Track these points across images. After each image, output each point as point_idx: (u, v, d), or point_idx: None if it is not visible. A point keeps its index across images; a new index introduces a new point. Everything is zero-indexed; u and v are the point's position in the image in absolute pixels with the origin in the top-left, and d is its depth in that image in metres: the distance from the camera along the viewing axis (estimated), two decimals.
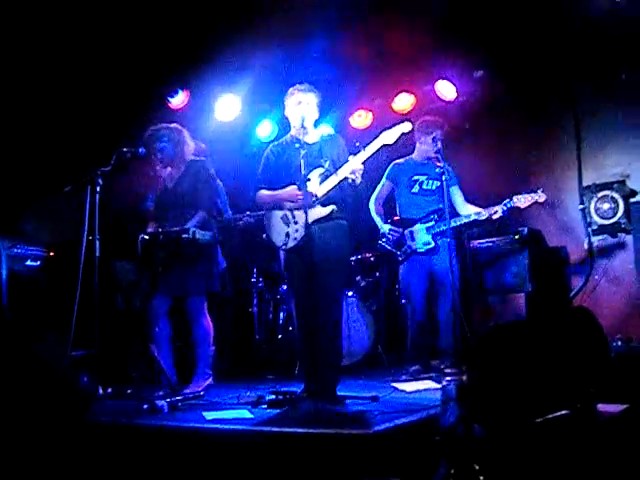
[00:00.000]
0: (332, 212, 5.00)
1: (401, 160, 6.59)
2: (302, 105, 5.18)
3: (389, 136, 5.07)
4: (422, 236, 6.29)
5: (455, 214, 6.28)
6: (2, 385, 3.91)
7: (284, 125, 5.53)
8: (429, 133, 6.35)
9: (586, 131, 7.08)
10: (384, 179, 6.60)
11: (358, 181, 4.95)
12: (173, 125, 5.85)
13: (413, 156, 6.57)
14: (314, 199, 4.95)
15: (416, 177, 6.43)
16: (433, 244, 6.22)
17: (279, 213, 5.14)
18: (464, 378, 3.16)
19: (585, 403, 3.70)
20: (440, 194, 6.17)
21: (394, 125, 5.13)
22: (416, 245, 6.29)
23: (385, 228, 6.43)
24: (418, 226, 6.31)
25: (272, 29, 6.74)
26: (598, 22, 6.39)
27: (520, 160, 7.32)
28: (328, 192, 5.01)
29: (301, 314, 5.15)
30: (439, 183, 6.19)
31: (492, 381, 3.42)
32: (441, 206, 6.14)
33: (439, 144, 6.28)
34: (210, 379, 5.67)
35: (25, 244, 5.86)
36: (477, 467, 2.83)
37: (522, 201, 6.01)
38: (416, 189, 6.42)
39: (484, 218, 6.13)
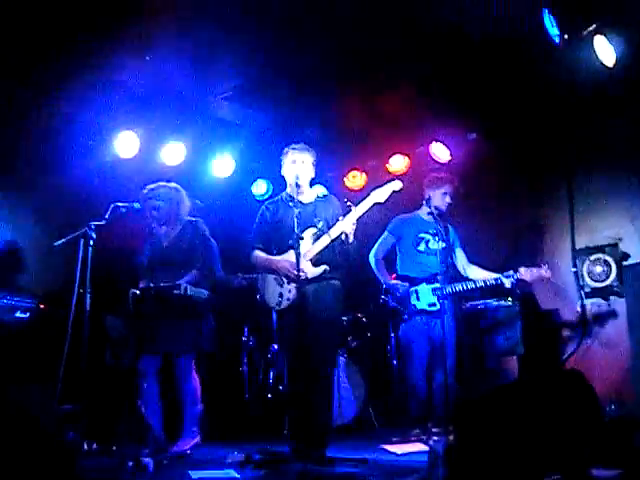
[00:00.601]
0: (324, 272, 5.01)
1: (407, 215, 6.51)
2: (297, 164, 5.22)
3: (380, 195, 5.11)
4: (427, 297, 6.16)
5: (458, 276, 6.26)
6: None
7: (279, 184, 5.56)
8: (438, 187, 6.32)
9: (579, 194, 7.12)
10: (386, 233, 6.48)
11: (350, 240, 4.96)
12: (172, 184, 5.87)
13: (420, 212, 6.47)
14: (305, 277, 4.94)
15: (422, 235, 6.34)
16: (438, 306, 6.05)
17: (272, 274, 5.14)
18: (451, 438, 3.12)
19: (578, 467, 3.65)
20: (445, 255, 6.13)
21: (385, 183, 5.17)
22: (421, 305, 6.18)
23: (392, 282, 6.30)
24: (424, 286, 6.19)
25: (268, 89, 6.83)
26: (592, 87, 6.47)
27: (513, 223, 7.35)
28: (320, 252, 5.02)
29: (293, 374, 5.11)
30: (444, 244, 6.13)
31: (481, 443, 3.38)
32: (445, 268, 6.08)
33: (448, 198, 6.30)
34: (198, 438, 5.59)
35: (15, 295, 5.82)
36: None
37: (528, 275, 5.99)
38: (422, 247, 6.32)
39: (490, 285, 6.13)
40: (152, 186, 5.81)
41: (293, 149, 5.28)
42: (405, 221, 6.49)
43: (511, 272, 6.03)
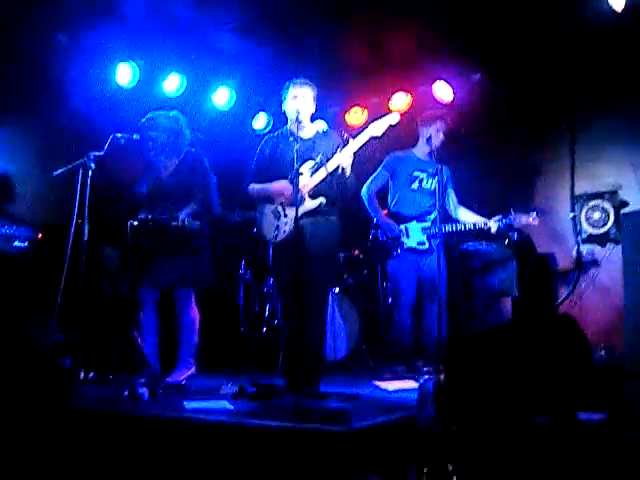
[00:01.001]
0: (320, 205, 5.01)
1: (401, 153, 6.51)
2: (298, 99, 5.17)
3: (377, 128, 5.10)
4: (417, 235, 6.23)
5: (447, 216, 6.29)
6: None
7: (280, 118, 5.52)
8: (431, 124, 6.32)
9: (581, 140, 7.09)
10: (381, 169, 6.49)
11: (347, 173, 4.96)
12: (171, 113, 5.81)
13: (414, 150, 6.47)
14: (303, 198, 4.95)
15: (417, 173, 6.35)
16: (427, 245, 6.18)
17: (270, 207, 5.15)
18: (442, 377, 3.17)
19: (566, 410, 3.71)
20: (439, 195, 6.12)
21: (382, 116, 5.16)
22: (410, 243, 6.24)
23: (385, 221, 6.34)
24: (414, 224, 6.26)
25: (269, 22, 6.72)
26: (598, 32, 6.39)
27: (514, 166, 7.32)
28: (317, 185, 5.02)
29: (287, 309, 5.17)
30: (437, 184, 6.12)
31: (471, 382, 3.43)
32: (438, 208, 6.13)
33: (441, 135, 6.29)
34: (193, 369, 5.66)
35: (13, 224, 5.83)
36: (451, 467, 2.84)
37: (517, 220, 6.04)
38: (415, 186, 6.34)
39: (478, 228, 6.17)
40: (151, 115, 5.75)
41: (294, 84, 5.22)
42: (400, 158, 6.48)
43: (499, 217, 6.07)
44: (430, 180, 6.28)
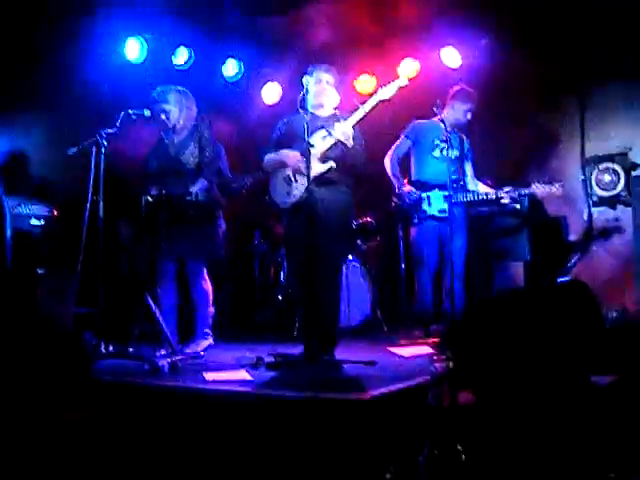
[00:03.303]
0: (330, 169, 5.04)
1: (424, 121, 6.50)
2: (322, 84, 5.22)
3: (386, 92, 5.13)
4: (439, 203, 6.26)
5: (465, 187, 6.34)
6: (7, 341, 3.98)
7: (293, 87, 5.53)
8: (465, 103, 6.36)
9: (590, 102, 7.07)
10: (403, 137, 6.51)
11: (350, 144, 4.99)
12: (181, 88, 5.84)
13: (439, 120, 6.38)
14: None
15: (438, 142, 6.34)
16: (448, 213, 6.22)
17: (281, 174, 5.21)
18: (451, 364, 3.22)
19: (579, 374, 3.76)
20: (460, 164, 6.24)
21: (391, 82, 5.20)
22: (431, 211, 6.29)
23: (405, 189, 6.38)
24: (436, 192, 6.28)
25: None
26: None
27: (523, 129, 7.30)
28: (327, 150, 5.07)
29: (300, 277, 5.23)
30: (458, 153, 6.23)
31: (482, 354, 3.48)
32: (459, 176, 6.26)
33: (469, 115, 6.37)
34: (210, 340, 5.75)
35: (29, 203, 5.89)
36: (460, 448, 2.93)
37: (540, 189, 6.05)
38: (437, 153, 6.34)
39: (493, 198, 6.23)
40: (163, 88, 5.79)
41: (318, 69, 5.24)
42: (422, 126, 6.49)
43: (510, 188, 6.12)
44: (451, 151, 6.23)
